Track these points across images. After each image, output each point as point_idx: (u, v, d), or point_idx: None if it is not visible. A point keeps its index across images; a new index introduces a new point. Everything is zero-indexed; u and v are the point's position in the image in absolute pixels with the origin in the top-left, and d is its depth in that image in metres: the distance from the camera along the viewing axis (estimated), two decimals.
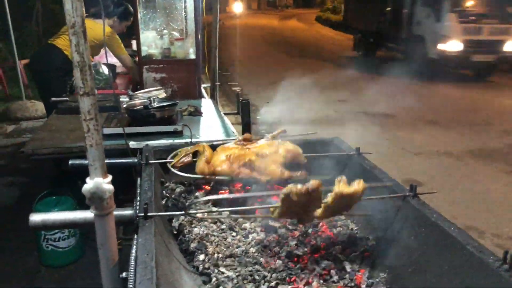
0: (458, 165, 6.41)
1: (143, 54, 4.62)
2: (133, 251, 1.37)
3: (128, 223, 1.52)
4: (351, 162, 2.17)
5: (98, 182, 1.27)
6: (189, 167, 2.15)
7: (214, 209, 1.74)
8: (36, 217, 1.44)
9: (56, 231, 3.57)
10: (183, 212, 1.64)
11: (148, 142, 3.06)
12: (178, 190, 2.14)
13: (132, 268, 1.27)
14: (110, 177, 1.32)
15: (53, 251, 3.60)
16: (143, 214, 1.52)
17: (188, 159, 2.10)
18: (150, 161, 2.03)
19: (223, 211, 1.86)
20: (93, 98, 1.25)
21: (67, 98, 4.03)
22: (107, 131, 3.26)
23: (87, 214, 1.45)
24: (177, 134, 3.38)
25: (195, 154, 2.14)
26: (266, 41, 20.30)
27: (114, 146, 3.12)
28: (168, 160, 2.17)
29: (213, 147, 2.22)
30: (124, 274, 1.30)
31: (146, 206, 1.52)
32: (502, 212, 4.97)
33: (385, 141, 7.68)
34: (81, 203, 3.69)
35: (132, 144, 3.11)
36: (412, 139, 7.50)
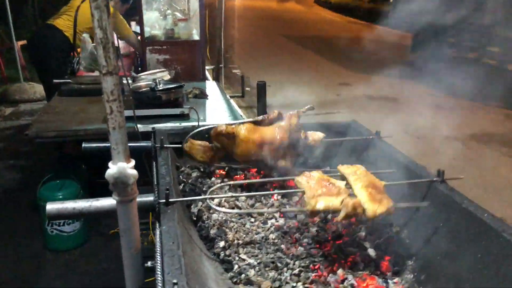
0: (462, 149, 6.37)
1: (146, 35, 4.51)
2: (157, 238, 1.31)
3: (149, 209, 1.45)
4: (372, 146, 2.10)
5: (121, 167, 1.20)
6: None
7: (235, 194, 1.67)
8: (52, 207, 1.37)
9: None
10: (205, 197, 1.57)
11: (155, 125, 2.99)
12: (194, 175, 2.08)
13: (158, 257, 1.21)
14: (133, 162, 1.25)
15: (58, 235, 3.55)
16: (164, 200, 1.46)
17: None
18: (165, 145, 1.96)
19: (243, 196, 1.80)
20: (116, 77, 1.17)
21: (70, 80, 3.93)
22: None
23: (105, 202, 1.38)
24: (184, 117, 3.31)
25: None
26: (265, 24, 20.05)
27: None
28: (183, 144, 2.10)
29: None
30: (149, 263, 1.24)
31: (167, 192, 1.45)
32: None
33: (388, 125, 7.64)
34: (84, 187, 3.64)
35: (139, 126, 3.04)
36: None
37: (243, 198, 2.04)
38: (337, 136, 2.24)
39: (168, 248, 1.24)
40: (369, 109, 7.88)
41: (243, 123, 2.09)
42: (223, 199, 1.89)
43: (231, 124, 2.08)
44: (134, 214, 1.29)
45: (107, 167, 1.22)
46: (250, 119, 2.13)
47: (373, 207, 1.53)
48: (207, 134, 2.14)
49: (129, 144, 2.03)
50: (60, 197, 3.42)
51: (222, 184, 1.70)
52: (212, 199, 1.58)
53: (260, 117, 2.08)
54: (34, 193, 3.54)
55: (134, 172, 1.22)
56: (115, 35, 4.94)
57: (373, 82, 8.76)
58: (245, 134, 2.03)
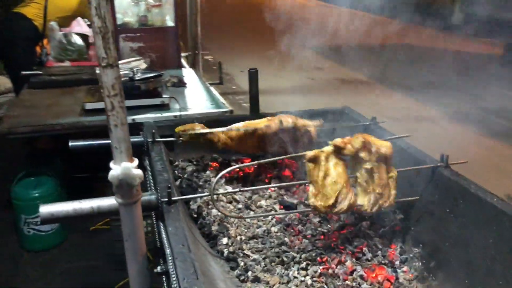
0: (436, 129, 6.48)
1: (118, 22, 4.30)
2: (164, 241, 1.23)
3: (151, 209, 1.36)
4: (369, 133, 2.06)
5: (126, 168, 1.11)
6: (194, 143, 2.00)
7: (242, 189, 1.59)
8: (45, 209, 1.26)
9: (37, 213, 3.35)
10: (208, 194, 1.49)
11: (134, 117, 2.87)
12: (190, 169, 1.99)
13: (170, 261, 1.13)
14: (136, 161, 1.16)
15: (35, 235, 3.39)
16: (166, 199, 1.37)
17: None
18: (157, 139, 1.86)
19: (249, 189, 1.73)
20: (117, 70, 1.07)
21: (40, 72, 3.72)
22: (90, 106, 3.03)
23: (105, 202, 1.28)
24: (164, 107, 3.18)
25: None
26: (237, 8, 19.73)
27: (98, 123, 2.90)
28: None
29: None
30: (159, 269, 1.16)
31: (169, 190, 1.37)
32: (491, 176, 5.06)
33: (362, 108, 7.68)
34: (61, 183, 3.48)
35: None
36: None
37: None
38: (330, 123, 2.19)
39: (179, 251, 1.16)
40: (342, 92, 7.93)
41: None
42: (221, 193, 1.82)
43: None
44: (139, 217, 1.20)
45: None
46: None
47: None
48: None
49: None
50: (37, 195, 3.26)
51: (230, 169, 1.57)
52: (217, 196, 1.50)
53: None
54: (6, 191, 3.37)
55: (139, 172, 1.13)
56: (82, 21, 4.73)
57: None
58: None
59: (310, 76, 8.82)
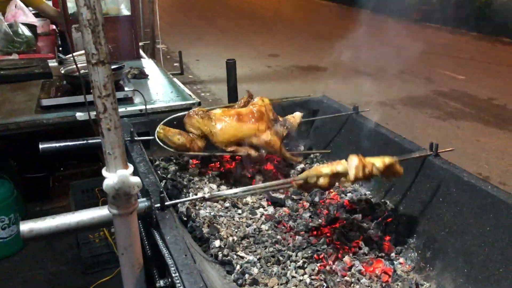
0: (392, 113, 6.62)
1: (70, 11, 4.04)
2: (164, 251, 1.13)
3: (143, 216, 1.26)
4: (351, 123, 2.03)
5: (123, 176, 1.00)
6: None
7: (236, 189, 1.51)
8: (26, 227, 1.12)
9: None
10: (202, 197, 1.40)
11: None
12: (172, 168, 1.87)
13: (175, 274, 1.04)
14: (131, 167, 1.05)
15: None
16: (159, 204, 1.27)
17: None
18: (135, 138, 1.73)
19: (241, 190, 1.64)
20: (109, 67, 0.96)
21: None
22: (46, 102, 2.82)
23: (95, 213, 1.16)
24: (128, 101, 3.02)
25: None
26: None
27: (57, 120, 2.71)
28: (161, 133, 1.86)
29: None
30: (162, 283, 1.06)
31: (162, 195, 1.26)
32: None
33: (319, 94, 7.72)
34: (16, 185, 3.25)
35: (79, 115, 2.73)
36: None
37: (224, 188, 1.89)
38: (310, 114, 2.14)
39: (183, 263, 1.07)
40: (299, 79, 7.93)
41: (213, 109, 1.91)
42: (207, 192, 1.73)
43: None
44: (136, 227, 1.10)
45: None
46: (222, 106, 1.96)
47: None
48: (175, 121, 1.94)
49: (90, 141, 1.80)
50: None
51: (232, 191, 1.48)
52: (211, 198, 1.40)
53: (235, 104, 1.91)
54: None
55: (137, 180, 1.03)
56: (27, 10, 4.41)
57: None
58: (221, 112, 1.86)
59: (267, 64, 8.76)
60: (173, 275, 1.04)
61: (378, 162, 1.51)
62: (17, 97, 3.09)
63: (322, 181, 1.48)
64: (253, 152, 1.86)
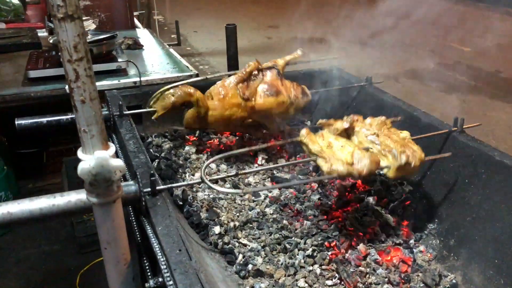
0: (396, 86, 6.41)
1: None
2: (154, 244, 0.97)
3: (130, 203, 1.09)
4: (364, 94, 1.84)
5: (102, 158, 0.82)
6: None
7: (242, 171, 1.33)
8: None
9: None
10: (199, 181, 1.22)
11: None
12: (166, 146, 1.70)
13: (167, 273, 0.87)
14: (113, 148, 0.87)
15: None
16: (150, 189, 1.10)
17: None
18: (125, 112, 1.54)
19: (251, 172, 1.48)
20: (81, 24, 0.77)
21: None
22: (34, 74, 2.63)
23: (71, 198, 0.98)
24: (121, 72, 2.83)
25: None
26: None
27: (46, 93, 2.52)
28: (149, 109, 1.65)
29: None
30: (152, 283, 0.90)
31: (153, 178, 1.09)
32: None
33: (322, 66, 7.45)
34: (7, 161, 3.08)
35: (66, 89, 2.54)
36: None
37: (224, 167, 1.72)
38: (321, 84, 1.95)
39: (177, 260, 0.90)
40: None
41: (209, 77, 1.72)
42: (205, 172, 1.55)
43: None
44: (120, 218, 0.93)
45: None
46: (222, 74, 1.76)
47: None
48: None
49: (72, 115, 1.61)
50: None
51: (219, 156, 1.31)
52: (211, 181, 1.23)
53: (237, 72, 1.70)
54: None
55: (120, 163, 0.85)
56: None
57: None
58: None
59: (267, 35, 8.48)
60: (165, 274, 0.87)
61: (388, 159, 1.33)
62: (4, 69, 2.92)
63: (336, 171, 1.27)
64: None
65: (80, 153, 0.85)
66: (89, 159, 0.82)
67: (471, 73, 6.89)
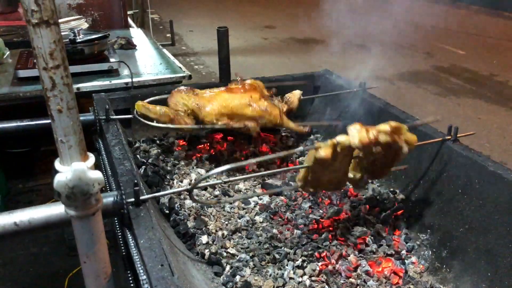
0: (391, 89, 6.39)
1: None
2: (135, 258, 0.93)
3: (112, 215, 1.05)
4: (357, 100, 1.81)
5: (79, 170, 0.78)
6: None
7: (232, 178, 1.29)
8: None
9: None
10: (185, 188, 1.18)
11: (78, 85, 2.47)
12: (154, 152, 1.66)
13: None
14: (92, 158, 0.83)
15: None
16: (133, 199, 1.06)
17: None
18: (111, 116, 1.50)
19: (238, 179, 1.44)
20: (57, 30, 0.73)
21: None
22: (24, 73, 2.58)
23: (47, 212, 0.95)
24: (112, 73, 2.78)
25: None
26: None
27: (36, 93, 2.48)
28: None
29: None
30: None
31: (137, 188, 1.05)
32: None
33: (318, 69, 7.43)
34: None
35: None
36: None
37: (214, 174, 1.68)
38: (313, 90, 1.92)
39: (158, 276, 0.87)
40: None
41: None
42: (193, 177, 1.52)
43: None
44: (100, 231, 0.89)
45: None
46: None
47: None
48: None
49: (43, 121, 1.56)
50: None
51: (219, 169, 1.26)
52: (199, 188, 1.19)
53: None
54: None
55: (99, 175, 0.81)
56: None
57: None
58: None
59: (263, 36, 8.45)
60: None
61: (383, 125, 1.30)
62: None
63: (323, 152, 1.24)
64: (250, 123, 1.63)
65: (57, 164, 0.81)
66: (65, 171, 0.79)
67: (466, 76, 6.88)
